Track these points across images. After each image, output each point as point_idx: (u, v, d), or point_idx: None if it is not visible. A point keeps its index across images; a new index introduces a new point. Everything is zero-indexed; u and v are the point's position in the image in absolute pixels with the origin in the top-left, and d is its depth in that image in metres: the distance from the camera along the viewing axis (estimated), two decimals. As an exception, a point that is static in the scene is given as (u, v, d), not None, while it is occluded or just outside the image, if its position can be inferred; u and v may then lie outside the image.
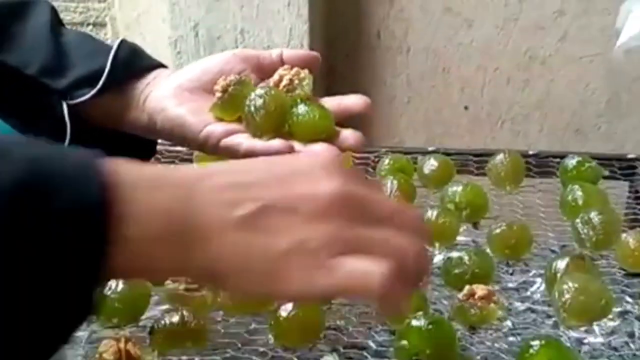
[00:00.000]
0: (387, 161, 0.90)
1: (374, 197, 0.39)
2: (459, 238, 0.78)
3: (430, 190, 0.88)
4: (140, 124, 0.62)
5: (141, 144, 0.66)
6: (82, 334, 0.57)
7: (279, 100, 0.55)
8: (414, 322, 0.54)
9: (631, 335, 0.61)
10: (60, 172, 0.33)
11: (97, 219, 0.32)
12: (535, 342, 0.51)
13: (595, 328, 0.62)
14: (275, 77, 0.58)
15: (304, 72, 0.58)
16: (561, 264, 0.63)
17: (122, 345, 0.50)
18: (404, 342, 0.53)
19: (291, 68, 0.58)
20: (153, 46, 1.46)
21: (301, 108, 0.55)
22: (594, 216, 0.72)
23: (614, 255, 0.71)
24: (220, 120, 0.57)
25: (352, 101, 0.58)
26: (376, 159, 0.95)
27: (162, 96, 0.60)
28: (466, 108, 1.47)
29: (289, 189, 0.37)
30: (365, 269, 0.36)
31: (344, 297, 0.53)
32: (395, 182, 0.83)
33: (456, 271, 0.67)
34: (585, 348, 0.60)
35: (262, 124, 0.55)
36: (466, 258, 0.67)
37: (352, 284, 0.36)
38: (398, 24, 1.45)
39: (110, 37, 1.54)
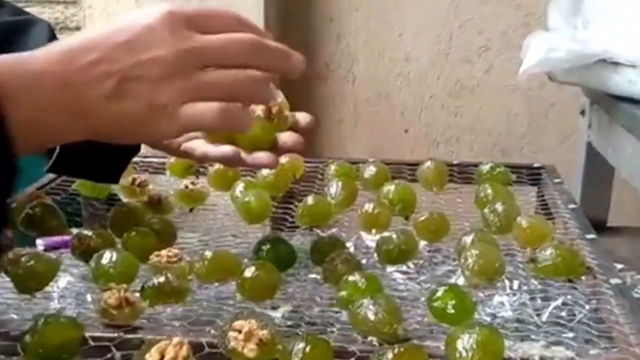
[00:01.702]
0: (333, 167, 1.06)
1: (203, 15, 0.55)
2: (391, 229, 0.94)
3: (369, 191, 1.04)
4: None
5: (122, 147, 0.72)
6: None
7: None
8: (351, 278, 0.70)
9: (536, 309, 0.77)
10: None
11: None
12: (441, 288, 0.67)
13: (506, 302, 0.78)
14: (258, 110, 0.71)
15: None
16: (468, 238, 0.79)
17: (122, 293, 0.63)
18: (343, 292, 0.69)
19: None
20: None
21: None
22: (499, 206, 0.88)
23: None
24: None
25: (301, 116, 0.75)
26: (324, 166, 1.11)
27: None
28: (406, 131, 1.65)
29: (136, 57, 0.51)
30: (202, 109, 0.54)
31: (190, 132, 0.63)
32: (340, 183, 0.98)
33: (386, 247, 0.82)
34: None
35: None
36: (394, 237, 0.82)
37: (191, 122, 0.54)
38: (344, 57, 1.62)
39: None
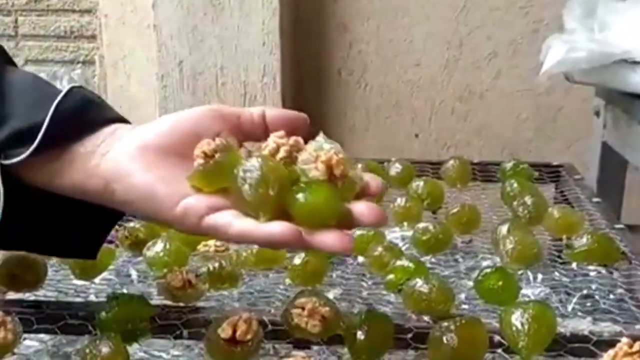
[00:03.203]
0: (360, 165, 1.08)
1: None
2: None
3: (396, 189, 1.07)
4: (93, 192, 0.50)
5: (102, 212, 0.54)
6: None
7: (279, 174, 0.45)
8: (398, 262, 0.72)
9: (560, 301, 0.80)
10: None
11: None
12: (488, 269, 0.69)
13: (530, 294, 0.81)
14: (271, 144, 0.47)
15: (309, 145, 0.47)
16: (504, 227, 0.82)
17: (185, 275, 0.66)
18: (392, 276, 0.71)
19: (287, 135, 0.48)
20: (138, 82, 1.64)
21: (304, 188, 0.44)
22: (528, 199, 0.91)
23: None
24: (199, 190, 0.47)
25: (369, 178, 0.48)
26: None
27: (122, 158, 0.49)
28: (416, 136, 1.68)
29: None
30: None
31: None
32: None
33: (424, 238, 0.85)
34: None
35: (258, 202, 0.44)
36: (431, 227, 0.85)
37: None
38: (356, 63, 1.66)
39: (97, 74, 1.70)
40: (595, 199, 0.98)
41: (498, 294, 0.68)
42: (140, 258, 0.77)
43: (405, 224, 0.93)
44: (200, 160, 0.47)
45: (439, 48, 1.63)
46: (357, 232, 0.87)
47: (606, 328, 0.62)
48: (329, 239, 0.44)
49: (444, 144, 1.67)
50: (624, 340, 0.56)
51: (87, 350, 0.56)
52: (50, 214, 0.55)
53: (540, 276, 0.82)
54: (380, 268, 0.76)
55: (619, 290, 0.76)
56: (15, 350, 0.61)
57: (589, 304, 0.77)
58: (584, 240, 0.78)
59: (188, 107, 0.53)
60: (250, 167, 0.45)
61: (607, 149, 1.20)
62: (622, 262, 0.79)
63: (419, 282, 0.65)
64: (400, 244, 0.95)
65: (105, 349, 0.56)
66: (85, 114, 0.52)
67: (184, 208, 0.46)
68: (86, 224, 0.56)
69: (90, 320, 0.60)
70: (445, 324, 0.57)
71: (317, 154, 0.45)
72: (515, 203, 0.92)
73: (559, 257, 0.83)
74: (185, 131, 0.49)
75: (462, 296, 0.78)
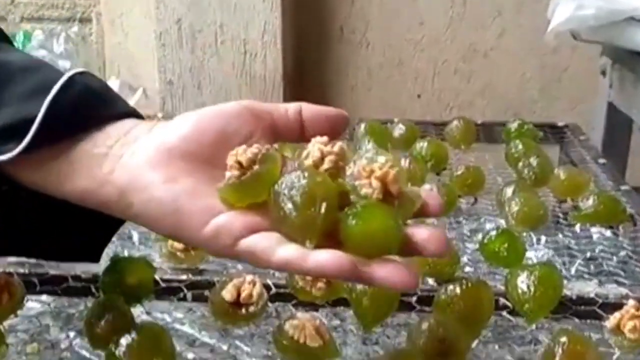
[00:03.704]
0: (363, 126, 1.07)
1: None
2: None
3: (399, 150, 1.05)
4: (104, 203, 0.43)
5: (102, 219, 0.45)
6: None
7: (328, 191, 0.38)
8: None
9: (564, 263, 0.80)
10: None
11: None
12: (494, 231, 0.69)
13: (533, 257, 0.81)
14: (314, 152, 0.40)
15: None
16: (509, 189, 0.81)
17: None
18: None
19: (331, 142, 0.41)
20: (136, 40, 1.61)
21: (358, 212, 0.37)
22: (533, 160, 0.90)
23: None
24: (230, 205, 0.40)
25: (428, 197, 0.41)
26: (351, 128, 1.12)
27: (140, 165, 0.41)
28: (419, 96, 1.66)
29: None
30: None
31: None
32: (371, 140, 1.00)
33: (428, 199, 0.84)
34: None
35: (304, 225, 0.37)
36: (435, 189, 0.84)
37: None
38: (359, 21, 1.63)
39: (94, 31, 1.67)
40: (600, 160, 0.97)
41: (503, 257, 0.67)
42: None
43: (409, 185, 0.92)
44: (235, 172, 0.39)
45: (443, 6, 1.60)
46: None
47: (612, 290, 0.62)
48: (388, 272, 0.36)
49: (446, 105, 1.65)
50: (631, 302, 0.56)
51: (91, 313, 0.56)
52: (46, 215, 0.46)
53: (543, 238, 0.81)
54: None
55: (624, 253, 0.76)
56: (18, 312, 0.61)
57: (592, 267, 0.77)
58: (590, 202, 0.77)
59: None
60: (294, 181, 0.38)
61: (613, 109, 1.18)
62: (627, 223, 0.78)
63: (424, 245, 0.64)
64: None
65: (108, 312, 0.55)
66: (90, 106, 0.44)
67: (215, 228, 0.39)
68: (89, 224, 0.46)
69: (93, 282, 0.60)
70: (451, 286, 0.57)
71: (371, 168, 0.38)
72: (520, 164, 0.91)
73: (564, 219, 0.82)
74: (213, 133, 0.42)
75: (466, 258, 0.77)
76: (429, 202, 0.40)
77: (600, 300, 0.60)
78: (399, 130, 1.06)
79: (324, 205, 0.37)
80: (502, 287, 0.60)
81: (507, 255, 0.67)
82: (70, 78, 0.44)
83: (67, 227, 0.45)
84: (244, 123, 0.43)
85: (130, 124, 0.44)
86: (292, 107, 0.44)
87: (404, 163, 0.93)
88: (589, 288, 0.62)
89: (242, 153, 0.40)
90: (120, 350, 0.52)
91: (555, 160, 1.11)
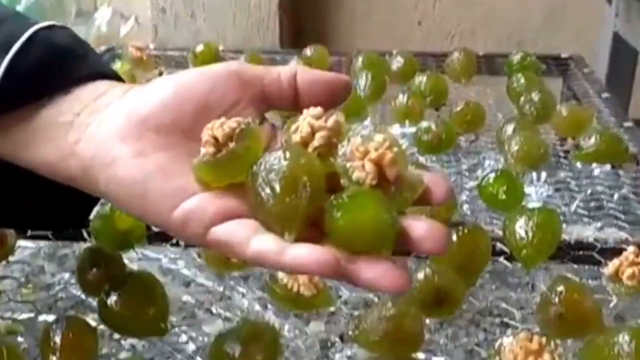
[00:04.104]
0: (361, 59, 1.04)
1: None
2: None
3: (398, 83, 1.03)
4: (69, 177, 0.38)
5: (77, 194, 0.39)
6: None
7: (313, 175, 0.33)
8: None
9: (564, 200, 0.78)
10: None
11: None
12: (492, 174, 0.67)
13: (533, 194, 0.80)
14: (304, 127, 0.35)
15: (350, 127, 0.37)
16: (509, 127, 0.80)
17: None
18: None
19: (326, 114, 0.36)
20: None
21: (346, 201, 0.32)
22: (534, 95, 0.88)
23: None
24: (205, 185, 0.35)
25: (431, 179, 0.34)
26: (349, 59, 1.09)
27: (107, 137, 0.36)
28: (419, 23, 1.61)
29: None
30: None
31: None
32: (369, 75, 0.97)
33: (425, 138, 0.82)
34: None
35: (283, 214, 0.32)
36: (433, 127, 0.82)
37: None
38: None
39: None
40: (604, 95, 0.94)
41: (502, 200, 0.66)
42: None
43: (407, 122, 0.90)
44: (210, 149, 0.34)
45: None
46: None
47: (612, 235, 0.61)
48: (377, 274, 0.32)
49: (447, 33, 1.61)
50: (630, 249, 0.55)
51: (81, 260, 0.55)
52: (23, 183, 0.41)
53: (544, 175, 0.80)
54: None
55: (624, 191, 0.74)
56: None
57: (593, 203, 0.76)
58: (592, 140, 0.76)
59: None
60: (275, 163, 0.33)
61: (618, 39, 1.15)
62: (629, 162, 0.76)
63: (420, 189, 0.63)
64: (401, 141, 0.93)
65: (98, 259, 0.55)
66: (55, 67, 0.39)
67: (184, 213, 0.34)
68: (71, 190, 0.40)
69: (85, 227, 0.59)
70: (447, 234, 0.56)
71: (365, 148, 0.33)
72: (521, 99, 0.89)
73: (565, 157, 0.81)
74: (194, 101, 0.37)
75: (464, 196, 0.76)
76: (433, 188, 0.34)
77: (599, 245, 0.59)
78: (397, 63, 1.03)
79: (307, 191, 0.32)
80: (500, 232, 0.59)
81: (505, 198, 0.66)
82: (34, 34, 0.39)
83: (48, 194, 0.40)
84: (230, 90, 0.38)
85: (102, 87, 0.39)
86: (285, 71, 0.39)
87: (402, 99, 0.91)
88: (588, 232, 0.61)
89: (218, 127, 0.34)
90: (111, 300, 0.51)
91: (558, 94, 1.09)
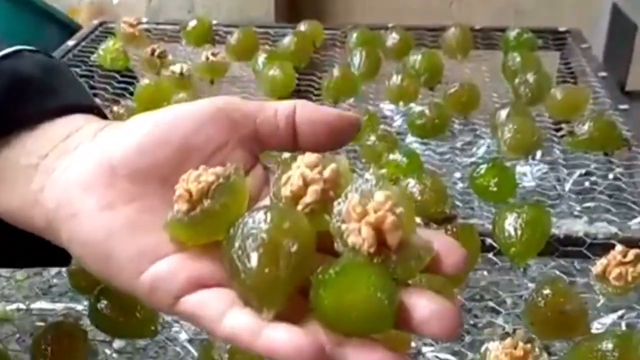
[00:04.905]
0: (355, 35, 1.02)
1: None
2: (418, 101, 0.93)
3: (392, 60, 1.01)
4: (34, 226, 0.33)
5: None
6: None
7: (300, 242, 0.28)
8: (391, 156, 0.70)
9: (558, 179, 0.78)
10: None
11: None
12: (484, 165, 0.67)
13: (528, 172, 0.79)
14: (295, 178, 0.31)
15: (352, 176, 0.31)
16: (503, 112, 0.79)
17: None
18: (384, 170, 0.69)
19: (324, 160, 0.31)
20: None
21: (334, 278, 0.28)
22: (530, 76, 0.87)
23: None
24: (180, 244, 0.30)
25: (441, 245, 0.29)
26: (343, 34, 1.07)
27: (74, 184, 0.32)
28: (418, -9, 1.59)
29: None
30: None
31: None
32: (363, 52, 0.96)
33: (419, 122, 0.82)
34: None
35: (261, 288, 0.28)
36: (426, 111, 0.81)
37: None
38: None
39: None
40: (601, 74, 0.93)
41: (493, 192, 0.66)
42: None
43: (401, 103, 0.89)
44: (183, 206, 0.30)
45: None
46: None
47: (601, 229, 0.61)
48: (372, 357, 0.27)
49: (447, 1, 1.58)
50: (618, 248, 0.55)
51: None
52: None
53: (538, 154, 0.80)
54: (372, 158, 0.74)
55: (618, 170, 0.74)
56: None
57: (587, 184, 0.76)
58: (585, 127, 0.75)
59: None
60: (254, 226, 0.28)
61: (617, 11, 1.13)
62: (623, 149, 0.76)
63: (411, 183, 0.63)
64: (395, 118, 0.93)
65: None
66: (19, 101, 0.34)
67: (151, 280, 0.30)
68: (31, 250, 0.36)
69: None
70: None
71: (364, 208, 0.29)
72: (517, 80, 0.88)
73: (558, 143, 0.80)
74: (174, 144, 0.32)
75: (457, 175, 0.76)
76: (443, 255, 0.29)
77: (589, 240, 0.59)
78: (392, 39, 1.02)
79: (291, 261, 0.27)
80: (490, 226, 0.59)
81: (497, 190, 0.66)
82: (3, 57, 0.34)
83: (24, 233, 0.34)
84: (217, 130, 0.33)
85: (74, 122, 0.34)
86: (283, 108, 0.34)
87: (396, 79, 0.90)
88: (578, 226, 0.61)
89: (193, 180, 0.30)
90: (102, 303, 0.52)
91: (555, 69, 1.07)
